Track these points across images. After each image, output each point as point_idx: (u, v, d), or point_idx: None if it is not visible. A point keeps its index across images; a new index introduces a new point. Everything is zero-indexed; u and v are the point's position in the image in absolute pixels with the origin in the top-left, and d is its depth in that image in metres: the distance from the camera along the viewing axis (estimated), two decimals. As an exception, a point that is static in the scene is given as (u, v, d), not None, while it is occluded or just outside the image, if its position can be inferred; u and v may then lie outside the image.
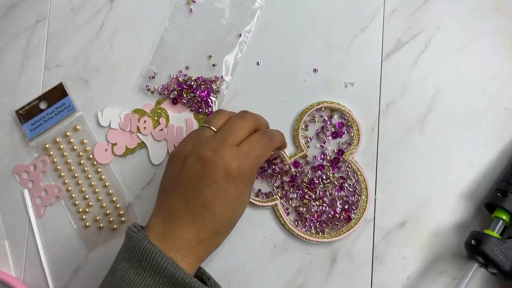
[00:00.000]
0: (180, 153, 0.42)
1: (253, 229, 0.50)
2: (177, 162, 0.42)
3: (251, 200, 0.49)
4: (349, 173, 0.49)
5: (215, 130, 0.43)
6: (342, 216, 0.49)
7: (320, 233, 0.49)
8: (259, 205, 0.50)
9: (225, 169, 0.39)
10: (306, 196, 0.49)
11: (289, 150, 0.51)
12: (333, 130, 0.50)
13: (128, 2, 0.55)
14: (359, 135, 0.49)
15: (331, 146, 0.50)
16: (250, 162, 0.40)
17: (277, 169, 0.50)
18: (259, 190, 0.51)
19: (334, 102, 0.50)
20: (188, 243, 0.39)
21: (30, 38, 0.55)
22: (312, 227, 0.49)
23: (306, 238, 0.49)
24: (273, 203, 0.49)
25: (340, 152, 0.50)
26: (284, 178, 0.50)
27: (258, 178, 0.50)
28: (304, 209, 0.50)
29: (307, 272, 0.49)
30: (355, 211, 0.49)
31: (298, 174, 0.50)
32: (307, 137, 0.51)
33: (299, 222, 0.49)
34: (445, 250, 0.48)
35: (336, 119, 0.50)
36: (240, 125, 0.42)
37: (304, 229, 0.49)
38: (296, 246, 0.50)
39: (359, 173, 0.49)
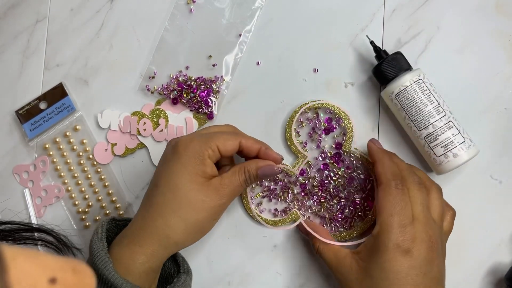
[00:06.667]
0: None
1: (254, 230, 0.50)
2: None
3: (271, 220, 0.49)
4: (354, 162, 0.49)
5: None
6: (364, 205, 0.48)
7: (348, 229, 0.48)
8: (281, 225, 0.49)
9: (172, 146, 0.43)
10: (322, 199, 0.49)
11: (289, 161, 0.50)
12: (324, 128, 0.49)
13: (128, 2, 0.55)
14: (350, 122, 0.48)
15: (328, 143, 0.50)
16: (199, 138, 0.43)
17: (286, 185, 0.50)
18: (275, 209, 0.50)
19: (316, 101, 0.49)
20: (136, 226, 0.42)
21: (30, 38, 0.55)
22: (339, 226, 0.48)
23: (342, 243, 0.45)
24: (298, 222, 0.48)
25: (339, 145, 0.49)
26: (295, 190, 0.50)
27: (271, 200, 0.50)
28: (325, 212, 0.49)
29: (307, 272, 0.49)
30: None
31: (306, 181, 0.49)
32: (301, 143, 0.50)
33: (325, 226, 0.49)
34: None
35: (322, 116, 0.50)
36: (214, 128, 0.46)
37: (332, 232, 0.48)
38: (296, 247, 0.50)
39: (363, 159, 0.48)
